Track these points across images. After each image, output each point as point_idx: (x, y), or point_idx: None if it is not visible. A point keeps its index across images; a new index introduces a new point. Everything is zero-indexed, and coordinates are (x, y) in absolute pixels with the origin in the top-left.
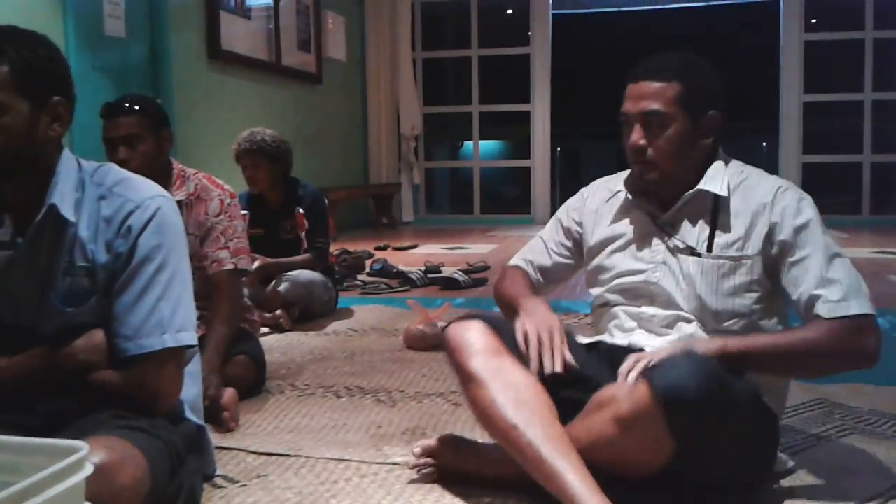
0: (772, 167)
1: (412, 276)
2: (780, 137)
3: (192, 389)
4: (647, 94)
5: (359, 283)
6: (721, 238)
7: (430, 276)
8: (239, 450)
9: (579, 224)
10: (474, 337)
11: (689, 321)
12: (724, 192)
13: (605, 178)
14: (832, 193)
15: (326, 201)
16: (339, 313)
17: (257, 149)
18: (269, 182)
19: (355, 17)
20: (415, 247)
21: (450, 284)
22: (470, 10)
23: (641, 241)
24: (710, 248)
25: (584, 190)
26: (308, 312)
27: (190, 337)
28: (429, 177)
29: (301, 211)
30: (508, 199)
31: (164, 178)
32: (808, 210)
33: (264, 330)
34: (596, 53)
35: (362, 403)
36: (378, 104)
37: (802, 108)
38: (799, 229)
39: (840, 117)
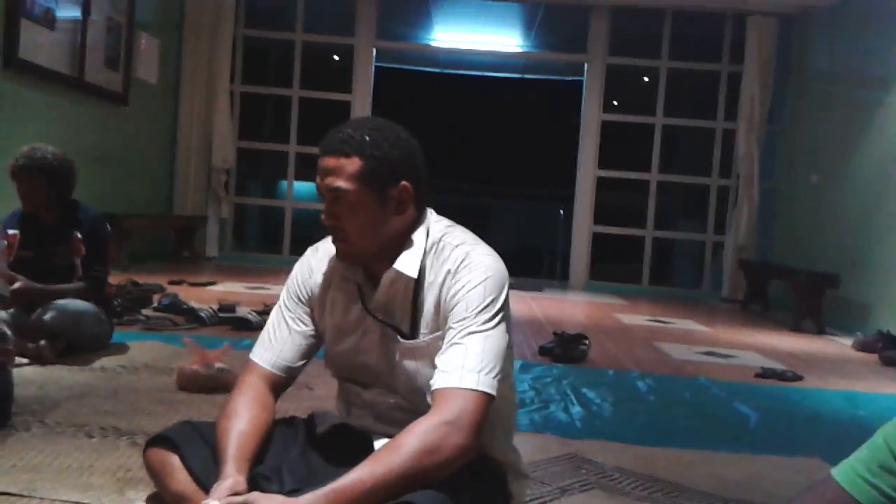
0: (567, 234)
1: (201, 314)
2: (574, 207)
3: None
4: (330, 170)
5: (142, 317)
6: (423, 317)
7: (221, 314)
8: None
9: (309, 301)
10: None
11: (404, 409)
12: (413, 274)
13: (323, 248)
14: (617, 263)
15: (109, 228)
16: (113, 348)
17: (36, 166)
18: (44, 202)
19: (172, 40)
20: (213, 283)
21: (241, 325)
22: (294, 49)
23: (360, 324)
24: (413, 330)
25: (308, 260)
26: (76, 345)
27: None
28: (240, 213)
29: (79, 235)
30: None
31: None
32: (480, 289)
33: (23, 361)
34: (417, 109)
35: (115, 445)
36: (189, 133)
37: (596, 182)
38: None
39: (629, 193)
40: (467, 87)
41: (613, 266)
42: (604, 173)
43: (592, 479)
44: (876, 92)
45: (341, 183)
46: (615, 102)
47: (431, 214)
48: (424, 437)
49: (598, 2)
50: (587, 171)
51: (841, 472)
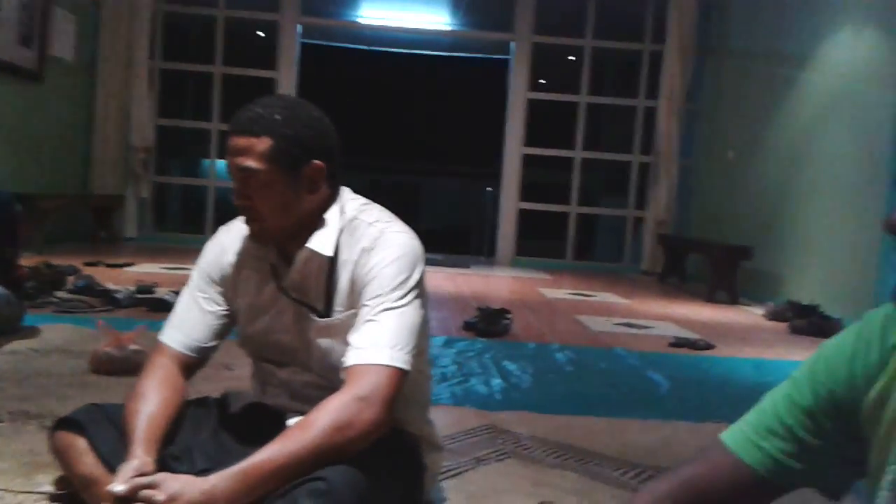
0: (495, 211)
1: (117, 296)
2: (501, 185)
3: None
4: (240, 150)
5: (55, 299)
6: (337, 295)
7: (139, 296)
8: None
9: (221, 280)
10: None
11: (319, 386)
12: (328, 253)
13: (236, 226)
14: (543, 239)
15: (20, 207)
16: (24, 332)
17: None
18: None
19: (89, 16)
20: (130, 265)
21: (159, 306)
22: (216, 25)
23: (274, 304)
24: (328, 308)
25: (221, 239)
26: None
27: None
28: (160, 192)
29: None
30: None
31: None
32: (394, 266)
33: None
34: (344, 87)
35: (23, 429)
36: (106, 110)
37: (522, 160)
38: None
39: (554, 171)
40: (395, 65)
41: (539, 242)
42: (530, 151)
43: (508, 449)
44: (789, 70)
45: (251, 163)
46: (542, 81)
47: (346, 192)
48: (336, 413)
49: None
50: (514, 149)
51: (730, 436)
